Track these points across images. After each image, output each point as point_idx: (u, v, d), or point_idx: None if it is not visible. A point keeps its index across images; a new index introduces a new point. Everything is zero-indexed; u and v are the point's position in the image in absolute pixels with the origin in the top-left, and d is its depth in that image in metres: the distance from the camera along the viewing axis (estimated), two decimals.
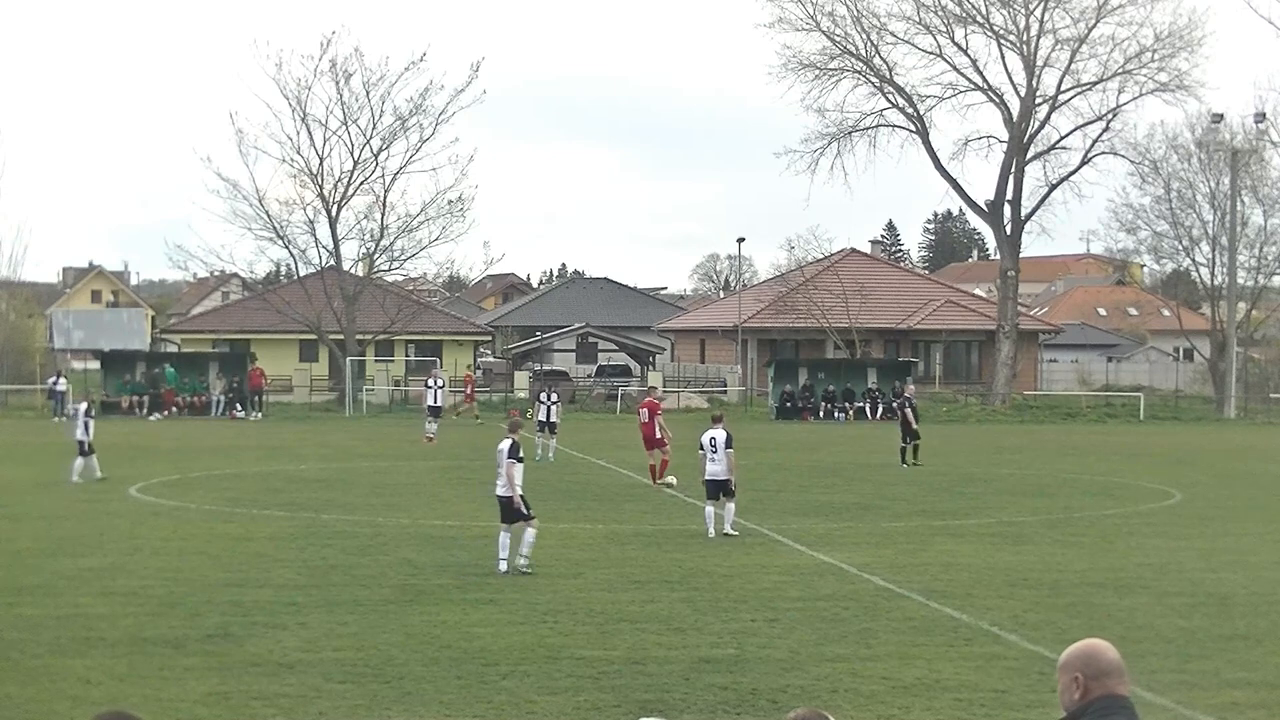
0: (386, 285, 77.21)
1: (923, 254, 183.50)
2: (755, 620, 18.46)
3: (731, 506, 26.65)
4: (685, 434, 50.49)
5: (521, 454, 22.26)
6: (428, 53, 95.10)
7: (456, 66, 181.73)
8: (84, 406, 36.71)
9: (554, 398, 43.76)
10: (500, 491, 22.11)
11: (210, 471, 38.54)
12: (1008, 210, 77.14)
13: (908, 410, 42.39)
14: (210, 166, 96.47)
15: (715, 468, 26.47)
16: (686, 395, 75.64)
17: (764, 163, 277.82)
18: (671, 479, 34.29)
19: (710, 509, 26.52)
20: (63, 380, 66.78)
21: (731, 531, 26.35)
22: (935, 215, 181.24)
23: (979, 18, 75.84)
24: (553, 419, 42.74)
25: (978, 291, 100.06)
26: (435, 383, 51.15)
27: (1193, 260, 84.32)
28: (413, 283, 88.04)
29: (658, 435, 35.76)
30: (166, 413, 65.27)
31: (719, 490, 26.49)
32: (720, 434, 26.67)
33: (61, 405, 64.48)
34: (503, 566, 21.74)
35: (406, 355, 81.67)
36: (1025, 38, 75.52)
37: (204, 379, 69.10)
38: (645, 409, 37.08)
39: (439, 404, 50.40)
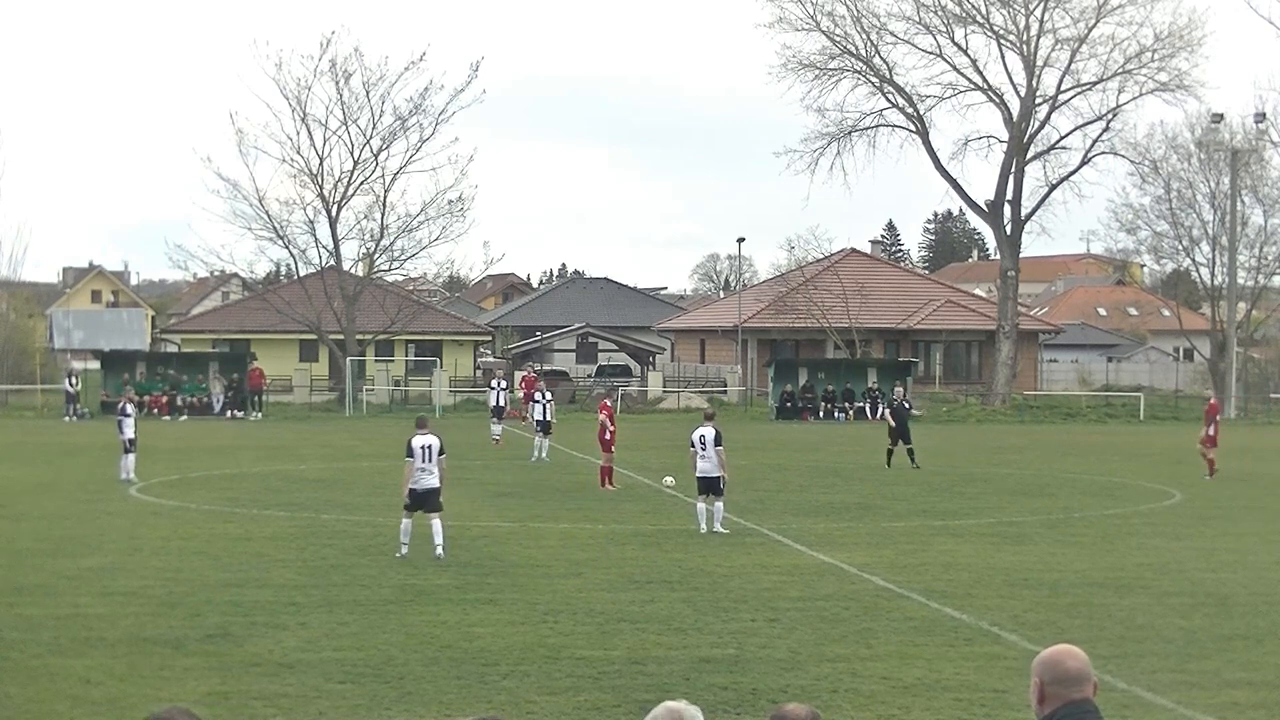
0: (386, 285, 77.15)
1: (923, 254, 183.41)
2: (755, 620, 18.46)
3: (720, 505, 26.70)
4: (684, 434, 50.47)
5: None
6: (427, 53, 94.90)
7: (456, 66, 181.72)
8: (121, 404, 36.22)
9: (549, 396, 43.63)
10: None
11: (210, 471, 38.50)
12: (1008, 210, 77.09)
13: (889, 413, 42.79)
14: (210, 166, 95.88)
15: (705, 465, 26.55)
16: (686, 395, 75.64)
17: (764, 163, 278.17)
18: (669, 479, 34.25)
19: (701, 505, 26.74)
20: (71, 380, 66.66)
21: (721, 529, 26.40)
22: (935, 215, 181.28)
23: (979, 18, 75.81)
24: (548, 418, 42.64)
25: (978, 291, 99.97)
26: (498, 384, 50.83)
27: (1193, 260, 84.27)
28: (413, 283, 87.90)
29: (606, 437, 35.09)
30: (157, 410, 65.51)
31: (709, 487, 26.61)
32: (710, 431, 26.76)
33: (74, 405, 64.30)
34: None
35: (406, 355, 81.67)
36: (1025, 38, 75.48)
37: (204, 379, 69.09)
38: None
39: (503, 404, 49.82)
